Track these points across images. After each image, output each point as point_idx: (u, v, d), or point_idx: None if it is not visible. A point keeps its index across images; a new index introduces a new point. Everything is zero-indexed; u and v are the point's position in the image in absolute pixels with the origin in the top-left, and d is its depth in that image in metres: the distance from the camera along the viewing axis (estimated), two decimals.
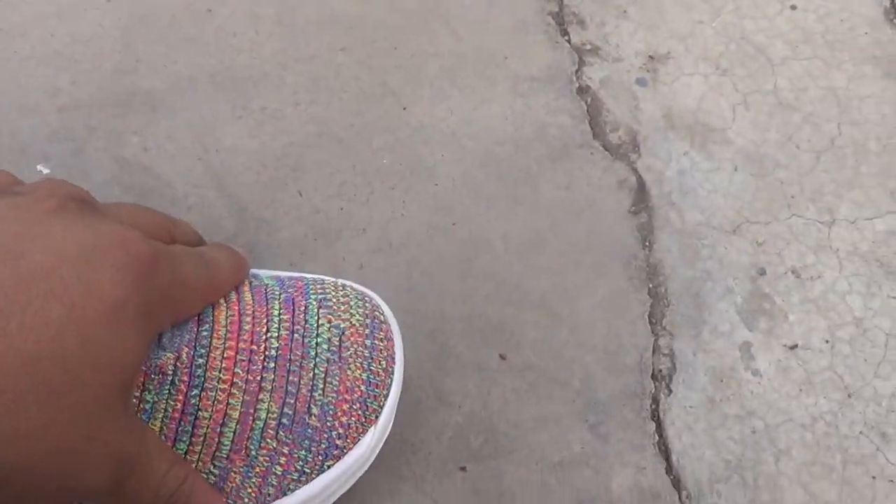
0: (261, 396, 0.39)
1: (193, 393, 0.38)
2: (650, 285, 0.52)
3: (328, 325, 0.41)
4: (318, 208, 0.54)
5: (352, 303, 0.42)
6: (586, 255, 0.53)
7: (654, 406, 0.49)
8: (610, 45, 0.61)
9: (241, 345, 0.39)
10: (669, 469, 0.47)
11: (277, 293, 0.42)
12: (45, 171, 0.55)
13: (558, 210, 0.54)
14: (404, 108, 0.57)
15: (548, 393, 0.49)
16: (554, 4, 0.62)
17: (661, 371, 0.50)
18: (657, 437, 0.48)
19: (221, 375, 0.39)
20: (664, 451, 0.48)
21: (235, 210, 0.53)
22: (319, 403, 0.40)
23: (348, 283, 0.44)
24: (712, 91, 0.59)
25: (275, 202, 0.54)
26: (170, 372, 0.38)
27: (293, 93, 0.58)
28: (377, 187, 0.54)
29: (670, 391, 0.49)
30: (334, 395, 0.40)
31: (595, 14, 0.62)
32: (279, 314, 0.41)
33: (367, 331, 0.42)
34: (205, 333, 0.39)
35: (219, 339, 0.39)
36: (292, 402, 0.39)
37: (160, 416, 0.38)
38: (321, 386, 0.40)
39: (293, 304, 0.41)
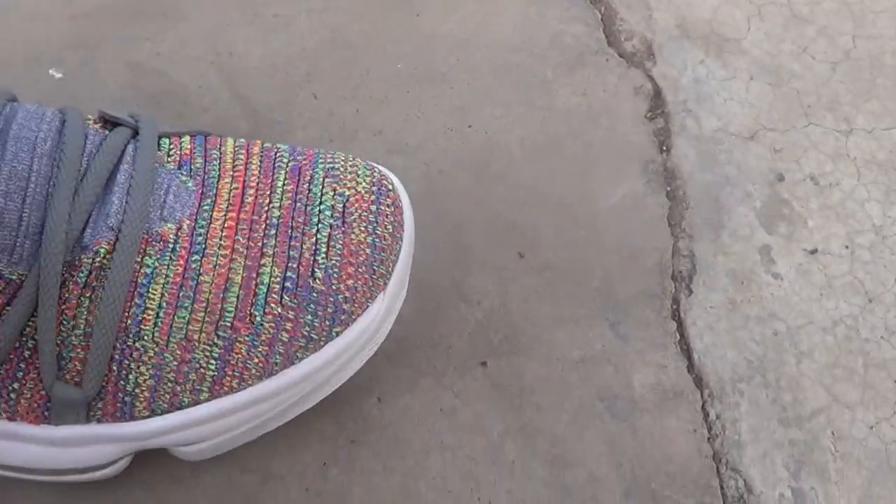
0: (263, 262, 0.36)
1: (194, 259, 0.36)
2: (668, 188, 0.49)
3: (332, 193, 0.38)
4: (332, 111, 0.50)
5: (359, 171, 0.39)
6: (603, 159, 0.49)
7: (674, 306, 0.46)
8: None
9: (243, 216, 0.37)
10: (691, 367, 0.44)
11: (286, 161, 0.39)
12: (58, 75, 0.51)
13: (574, 115, 0.51)
14: (417, 16, 0.54)
15: (567, 292, 0.45)
16: None
17: (681, 272, 0.46)
18: (678, 337, 0.45)
19: (222, 242, 0.36)
20: (685, 350, 0.44)
21: (249, 111, 0.50)
22: (323, 267, 0.37)
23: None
24: (727, 3, 0.56)
25: (289, 105, 0.51)
26: (171, 240, 0.36)
27: (306, 0, 0.54)
28: (392, 91, 0.51)
29: (691, 292, 0.46)
30: (338, 258, 0.37)
31: None
32: (283, 184, 0.38)
33: (372, 197, 0.39)
34: (206, 206, 0.37)
35: (220, 211, 0.37)
36: (295, 266, 0.37)
37: (161, 280, 0.35)
38: (324, 250, 0.37)
39: (299, 172, 0.39)
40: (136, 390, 0.36)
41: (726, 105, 0.52)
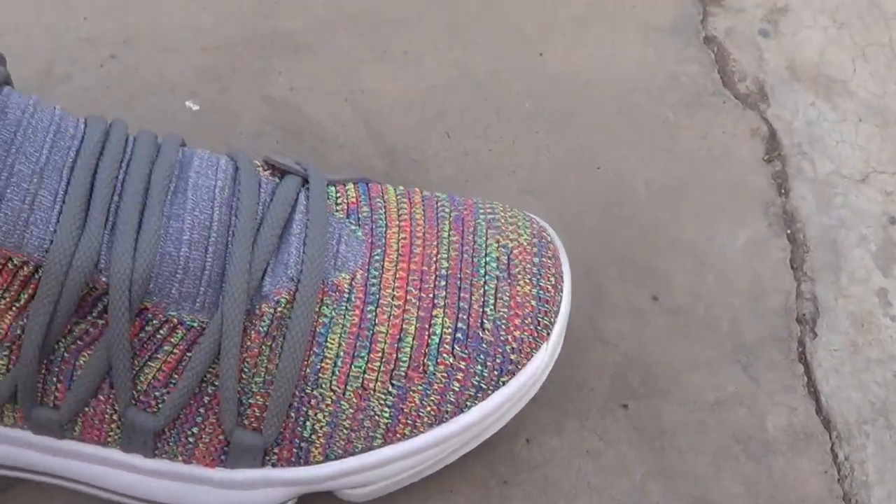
0: (434, 312, 0.37)
1: (369, 309, 0.37)
2: (788, 231, 0.50)
3: (496, 245, 0.39)
4: (466, 150, 0.51)
5: (519, 223, 0.41)
6: (726, 202, 0.51)
7: (800, 349, 0.47)
8: None
9: (413, 266, 0.38)
10: (819, 409, 0.45)
11: (448, 211, 0.40)
12: (195, 107, 0.52)
13: (696, 157, 0.52)
14: (540, 55, 0.55)
15: (699, 335, 0.47)
16: None
17: (804, 315, 0.48)
18: (806, 379, 0.46)
19: (395, 293, 0.37)
20: (813, 392, 0.46)
21: (385, 150, 0.51)
22: (492, 318, 0.38)
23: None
24: (832, 44, 0.57)
25: (423, 143, 0.52)
26: (346, 290, 0.37)
27: (431, 37, 0.56)
28: (521, 131, 0.52)
29: (815, 335, 0.47)
30: (505, 310, 0.38)
31: None
32: (449, 235, 0.39)
33: (534, 249, 0.40)
34: (377, 256, 0.38)
35: (390, 261, 0.38)
36: (465, 317, 0.38)
37: (338, 330, 0.36)
38: (492, 301, 0.38)
39: (462, 223, 0.40)
40: (313, 436, 0.37)
41: (838, 147, 0.54)
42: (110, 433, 0.37)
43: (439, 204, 0.41)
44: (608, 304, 0.48)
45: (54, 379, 0.35)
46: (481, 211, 0.41)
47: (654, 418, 0.46)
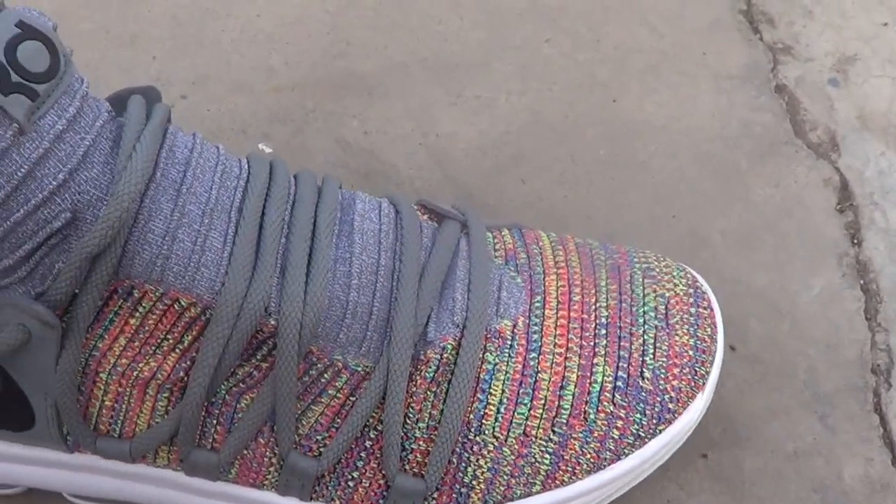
0: (595, 361, 0.39)
1: (532, 356, 0.39)
2: (861, 282, 0.52)
3: (654, 295, 0.41)
4: (541, 196, 0.53)
5: (674, 273, 0.42)
6: (800, 252, 0.53)
7: (875, 399, 0.49)
8: (800, 44, 0.60)
9: (573, 314, 0.40)
10: (895, 460, 0.47)
11: (603, 258, 0.42)
12: (268, 150, 0.54)
13: (769, 206, 0.54)
14: (614, 101, 0.57)
15: (776, 384, 0.49)
16: (742, 3, 0.62)
17: (879, 366, 0.50)
18: (881, 430, 0.48)
19: (557, 341, 0.39)
20: (889, 443, 0.48)
21: (461, 195, 0.53)
22: (651, 367, 0.40)
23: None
24: None
25: (498, 188, 0.54)
26: (508, 337, 0.38)
27: (504, 81, 0.58)
28: (596, 177, 0.54)
29: (890, 385, 0.49)
30: (664, 359, 0.40)
31: (783, 13, 0.62)
32: (606, 283, 0.41)
33: (691, 300, 0.42)
34: (537, 304, 0.40)
35: (551, 309, 0.40)
36: (625, 366, 0.39)
37: (502, 377, 0.38)
38: (651, 350, 0.40)
39: (619, 271, 0.42)
40: (474, 482, 0.38)
41: None
42: (267, 476, 0.37)
43: (594, 252, 0.43)
44: None
45: (214, 421, 0.36)
46: (636, 260, 0.43)
47: (735, 468, 0.47)
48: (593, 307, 0.40)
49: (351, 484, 0.37)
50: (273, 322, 0.35)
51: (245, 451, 0.36)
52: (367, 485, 0.37)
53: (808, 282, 0.52)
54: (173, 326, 0.35)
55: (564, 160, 0.55)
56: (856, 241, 0.54)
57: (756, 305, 0.51)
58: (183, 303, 0.34)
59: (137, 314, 0.34)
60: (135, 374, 0.34)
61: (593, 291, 0.41)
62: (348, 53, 0.59)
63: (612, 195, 0.54)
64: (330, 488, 0.38)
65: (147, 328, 0.35)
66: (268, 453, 0.36)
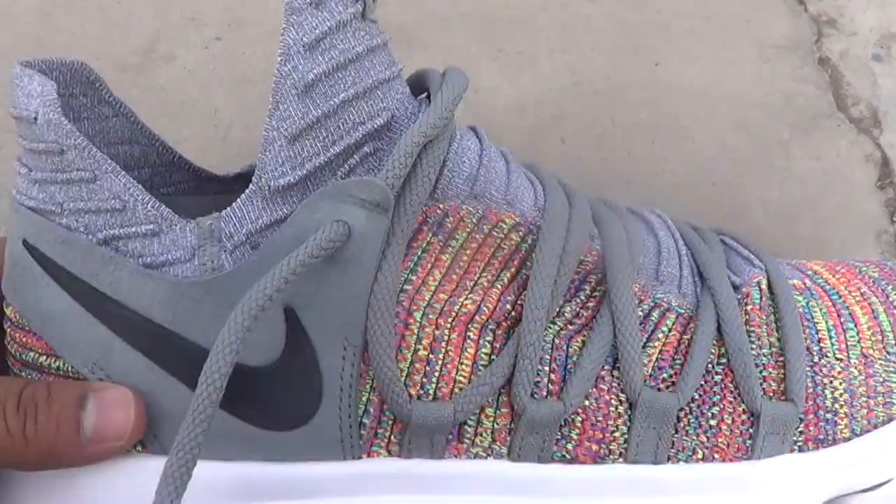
0: (891, 299, 0.41)
1: (834, 297, 0.41)
2: None
3: None
4: (580, 157, 0.54)
5: None
6: (840, 226, 0.54)
7: None
8: (845, 17, 0.61)
9: (841, 278, 0.42)
10: None
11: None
12: None
13: (810, 180, 0.55)
14: (656, 64, 0.58)
15: None
16: None
17: None
18: None
19: (849, 290, 0.42)
20: None
21: None
22: None
23: None
24: None
25: (537, 148, 0.54)
26: (801, 287, 0.41)
27: (546, 39, 0.58)
28: (637, 142, 0.55)
29: None
30: None
31: None
32: (867, 267, 0.43)
33: None
34: (809, 273, 0.43)
35: (823, 275, 0.43)
36: None
37: (818, 309, 0.39)
38: None
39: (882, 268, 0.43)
40: (836, 406, 0.38)
41: None
42: (615, 431, 0.35)
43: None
44: None
45: (546, 368, 0.34)
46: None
47: None
48: (858, 272, 0.42)
49: (713, 422, 0.35)
50: (597, 247, 0.35)
51: (586, 402, 0.34)
52: (730, 421, 0.36)
53: (847, 257, 0.54)
54: (492, 258, 0.34)
55: (604, 122, 0.56)
56: (895, 218, 0.55)
57: None
58: (506, 225, 0.34)
59: (451, 247, 0.33)
60: (455, 311, 0.32)
61: (856, 271, 0.43)
62: (388, 2, 0.59)
63: (653, 160, 0.55)
64: (691, 433, 0.35)
65: (463, 260, 0.33)
66: (613, 400, 0.34)
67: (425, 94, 0.36)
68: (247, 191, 0.32)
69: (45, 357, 0.33)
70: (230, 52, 0.57)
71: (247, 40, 0.57)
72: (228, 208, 0.32)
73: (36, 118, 0.32)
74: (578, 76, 0.57)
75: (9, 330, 0.34)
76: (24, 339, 0.34)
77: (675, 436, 0.35)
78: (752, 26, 0.60)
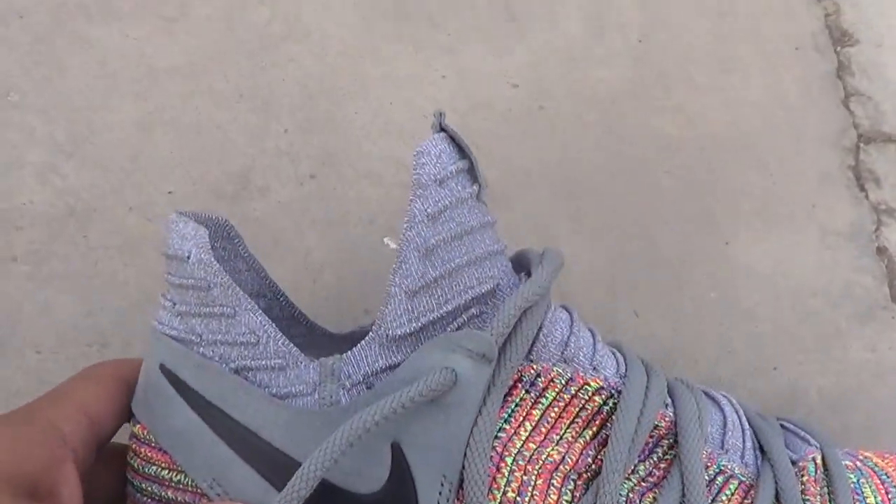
0: None
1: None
2: None
3: None
4: (653, 331, 0.58)
5: None
6: (891, 419, 0.57)
7: None
8: None
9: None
10: None
11: None
12: (392, 245, 0.58)
13: (865, 370, 0.58)
14: (726, 244, 0.61)
15: None
16: (851, 158, 0.66)
17: None
18: None
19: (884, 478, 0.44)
20: None
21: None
22: None
23: None
24: None
25: (612, 319, 0.58)
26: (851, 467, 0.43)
27: (624, 206, 0.62)
28: (706, 321, 0.58)
29: None
30: None
31: (888, 174, 0.66)
32: None
33: None
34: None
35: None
36: None
37: (868, 487, 0.42)
38: None
39: None
40: None
41: None
42: None
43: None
44: None
45: None
46: None
47: None
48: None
49: None
50: (671, 414, 0.39)
51: None
52: None
53: None
54: (577, 416, 0.38)
55: (677, 297, 0.59)
56: None
57: None
58: (591, 387, 0.38)
59: (541, 404, 0.37)
60: (542, 459, 0.36)
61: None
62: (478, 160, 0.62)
63: (720, 342, 0.58)
64: None
65: (551, 416, 0.37)
66: None
67: (525, 271, 0.40)
68: (367, 337, 0.36)
69: (167, 471, 0.38)
70: (322, 192, 0.60)
71: (341, 182, 0.60)
72: (349, 351, 0.36)
73: (189, 257, 0.37)
74: (652, 246, 0.61)
75: (133, 445, 0.39)
76: (149, 454, 0.38)
77: None
78: (817, 212, 0.64)
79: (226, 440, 0.36)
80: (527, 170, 0.62)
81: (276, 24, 0.64)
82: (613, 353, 0.41)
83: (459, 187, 0.36)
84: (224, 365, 0.36)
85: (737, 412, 0.43)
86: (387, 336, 0.35)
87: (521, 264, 0.40)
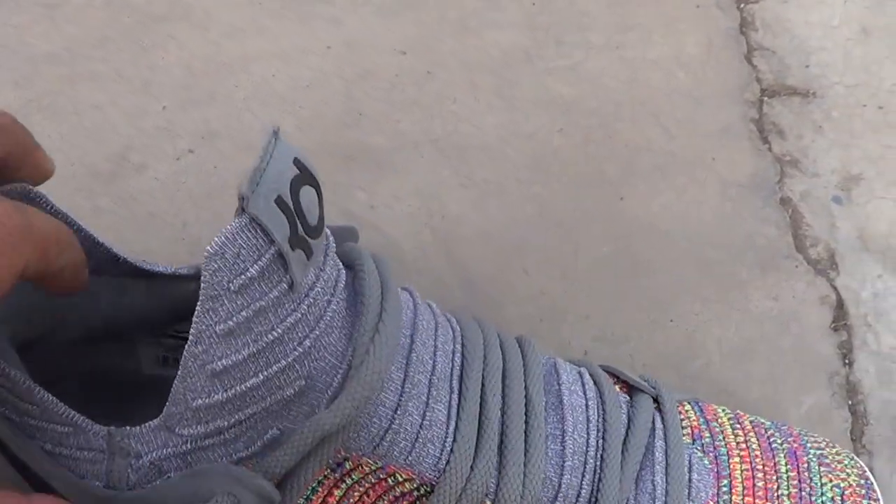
0: None
1: None
2: (850, 402, 0.57)
3: (830, 485, 0.45)
4: (543, 289, 0.58)
5: (845, 462, 0.46)
6: (793, 368, 0.57)
7: None
8: (808, 158, 0.65)
9: (758, 501, 0.43)
10: None
11: (780, 442, 0.46)
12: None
13: (766, 320, 0.59)
14: (621, 199, 0.62)
15: None
16: (755, 111, 0.67)
17: None
18: None
19: None
20: None
21: (464, 281, 0.57)
22: None
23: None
24: None
25: (502, 278, 0.58)
26: None
27: (514, 169, 0.62)
28: (598, 276, 0.59)
29: None
30: None
31: (793, 126, 0.67)
32: (786, 470, 0.45)
33: (862, 491, 0.45)
34: (724, 488, 0.43)
35: (737, 494, 0.43)
36: None
37: None
38: None
39: (795, 457, 0.45)
40: None
41: None
42: None
43: (769, 433, 0.47)
44: None
45: None
46: (810, 445, 0.47)
47: None
48: (776, 494, 0.44)
49: None
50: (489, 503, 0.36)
51: None
52: None
53: (799, 398, 0.57)
54: (379, 499, 0.36)
55: (568, 255, 0.60)
56: (847, 361, 0.59)
57: None
58: (399, 477, 0.35)
59: (343, 485, 0.35)
60: None
61: (774, 478, 0.44)
62: (360, 124, 0.63)
63: (613, 295, 0.59)
64: None
65: (352, 499, 0.36)
66: None
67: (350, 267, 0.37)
68: (155, 422, 0.32)
69: None
70: (201, 165, 0.60)
71: (219, 154, 0.61)
72: (139, 428, 0.32)
73: None
74: (544, 208, 0.61)
75: None
76: None
77: None
78: (717, 164, 0.65)
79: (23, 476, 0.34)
80: (414, 135, 0.63)
81: (157, 4, 0.64)
82: (448, 421, 0.36)
83: (264, 289, 0.30)
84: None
85: (584, 472, 0.40)
86: (174, 431, 0.32)
87: (349, 257, 0.36)
